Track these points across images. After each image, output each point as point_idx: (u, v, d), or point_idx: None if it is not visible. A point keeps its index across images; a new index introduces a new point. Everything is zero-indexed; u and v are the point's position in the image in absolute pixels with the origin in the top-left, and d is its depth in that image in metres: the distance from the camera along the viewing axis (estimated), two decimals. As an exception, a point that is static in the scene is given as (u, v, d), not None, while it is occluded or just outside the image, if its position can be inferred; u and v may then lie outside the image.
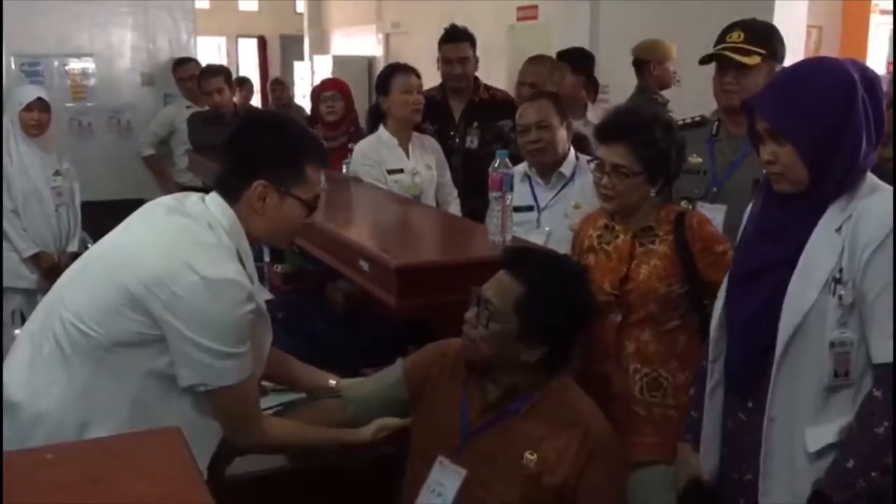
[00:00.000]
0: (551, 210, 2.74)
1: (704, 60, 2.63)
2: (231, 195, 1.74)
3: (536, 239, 2.58)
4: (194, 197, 1.79)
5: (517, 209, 2.65)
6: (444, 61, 3.93)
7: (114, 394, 1.66)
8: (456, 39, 3.95)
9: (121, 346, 1.65)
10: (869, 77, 1.62)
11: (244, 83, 7.42)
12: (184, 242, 1.67)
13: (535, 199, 2.78)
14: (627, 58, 4.40)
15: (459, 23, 4.24)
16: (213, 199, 1.75)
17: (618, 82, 5.72)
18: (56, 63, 5.27)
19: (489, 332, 1.71)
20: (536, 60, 3.91)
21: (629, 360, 2.07)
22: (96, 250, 1.79)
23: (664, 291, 2.04)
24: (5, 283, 4.05)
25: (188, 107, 5.09)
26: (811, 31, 5.47)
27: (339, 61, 10.68)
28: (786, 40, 4.47)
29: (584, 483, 1.69)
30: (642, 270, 2.06)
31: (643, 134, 2.03)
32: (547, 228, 2.66)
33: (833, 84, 1.59)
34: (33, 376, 1.68)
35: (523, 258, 1.82)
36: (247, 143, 1.79)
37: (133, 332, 1.64)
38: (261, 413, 1.80)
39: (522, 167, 2.82)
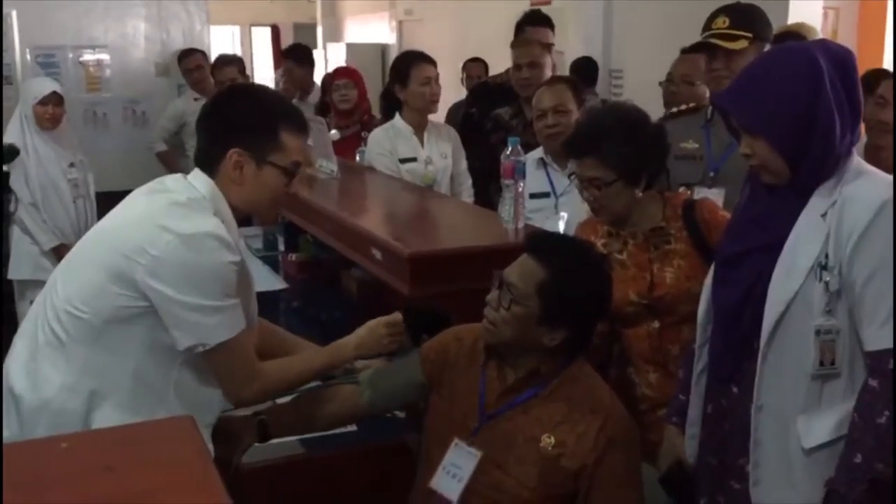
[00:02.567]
0: (569, 196, 2.72)
1: (692, 49, 2.62)
2: (209, 167, 1.75)
3: (553, 225, 2.58)
4: (177, 175, 1.81)
5: (534, 196, 2.64)
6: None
7: (113, 373, 1.68)
8: (542, 24, 3.86)
9: (112, 324, 1.66)
10: (840, 58, 1.58)
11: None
12: (158, 209, 1.69)
13: (552, 186, 2.77)
14: (640, 45, 4.38)
15: (473, 10, 4.21)
16: (194, 173, 1.77)
17: (631, 70, 5.69)
18: (71, 55, 5.29)
19: (510, 315, 1.71)
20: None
21: (677, 364, 2.03)
22: (83, 240, 1.81)
23: (696, 290, 1.98)
24: (27, 276, 4.09)
25: (196, 98, 5.09)
26: (828, 12, 5.41)
27: (352, 49, 10.65)
28: (803, 22, 4.42)
29: (602, 470, 1.69)
30: (668, 274, 2.03)
31: (607, 142, 1.98)
32: (564, 214, 2.64)
33: (797, 72, 1.56)
34: (33, 366, 1.70)
35: (547, 243, 1.83)
36: (220, 113, 1.79)
37: (120, 306, 1.64)
38: (257, 364, 1.78)
39: (538, 153, 2.81)
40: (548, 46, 3.73)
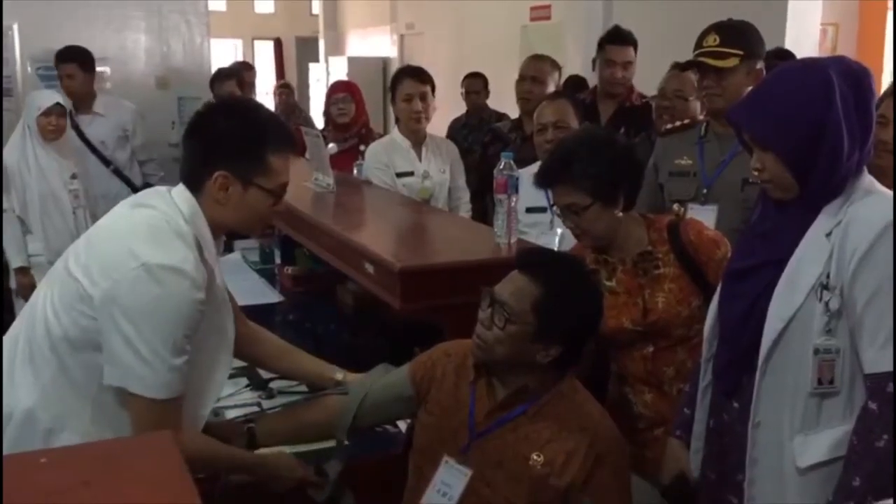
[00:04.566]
0: None
1: (684, 67, 2.64)
2: (193, 186, 1.72)
3: (549, 240, 2.58)
4: (162, 189, 1.77)
5: (531, 210, 2.65)
6: (608, 63, 3.69)
7: (75, 398, 1.66)
8: (622, 42, 3.72)
9: (78, 344, 1.64)
10: (856, 76, 1.58)
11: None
12: (134, 230, 1.65)
13: (549, 200, 2.77)
14: (641, 60, 4.38)
15: (474, 24, 4.21)
16: (178, 189, 1.74)
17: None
18: (72, 67, 5.31)
19: (505, 334, 1.70)
20: (538, 58, 3.95)
21: (672, 384, 2.04)
22: (65, 254, 1.77)
23: (687, 313, 2.01)
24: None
25: None
26: (827, 28, 5.43)
27: (354, 63, 10.73)
28: (799, 38, 4.44)
29: (590, 486, 1.68)
30: (659, 299, 2.02)
31: (575, 167, 1.97)
32: (559, 230, 2.65)
33: (808, 88, 1.56)
34: (9, 378, 1.69)
35: (539, 259, 1.82)
36: (206, 131, 1.74)
37: (85, 328, 1.61)
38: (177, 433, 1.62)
39: (537, 167, 2.81)
40: (624, 65, 3.69)
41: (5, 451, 1.58)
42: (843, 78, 1.55)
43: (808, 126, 1.54)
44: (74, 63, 4.61)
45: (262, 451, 1.93)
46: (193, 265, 1.63)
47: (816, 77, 1.56)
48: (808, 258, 1.57)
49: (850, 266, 1.52)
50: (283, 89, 7.21)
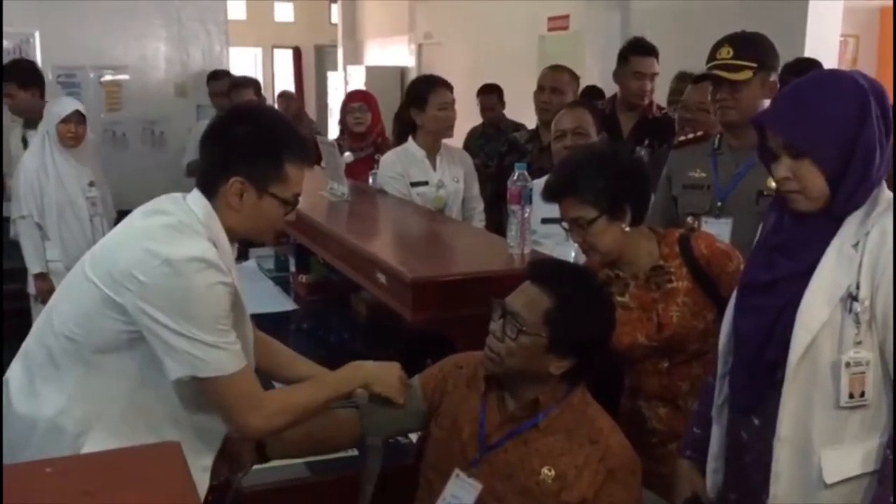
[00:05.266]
0: None
1: (697, 79, 2.61)
2: (209, 190, 1.73)
3: (565, 251, 2.55)
4: (177, 195, 1.78)
5: (546, 221, 2.63)
6: (637, 75, 3.67)
7: (105, 399, 1.66)
8: (647, 53, 3.71)
9: (107, 347, 1.65)
10: (877, 87, 1.58)
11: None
12: (149, 233, 1.66)
13: None
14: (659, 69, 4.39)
15: (492, 35, 4.20)
16: (193, 194, 1.75)
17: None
18: (92, 75, 5.38)
19: (517, 346, 1.69)
20: (557, 68, 3.95)
21: (687, 399, 2.02)
22: (81, 260, 1.78)
23: (703, 326, 1.99)
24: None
25: None
26: (848, 40, 5.39)
27: (371, 71, 10.77)
28: (819, 50, 4.41)
29: (601, 501, 1.67)
30: (673, 314, 2.00)
31: (581, 180, 1.96)
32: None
33: (846, 93, 1.55)
34: (29, 385, 1.70)
35: (551, 270, 1.80)
36: (225, 137, 1.75)
37: (115, 331, 1.63)
38: (260, 394, 1.73)
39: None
40: (651, 76, 3.67)
41: (32, 460, 1.58)
42: (871, 89, 1.56)
43: (847, 133, 1.53)
44: (13, 82, 4.43)
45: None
46: (214, 254, 1.65)
47: (852, 85, 1.56)
48: (836, 269, 1.54)
49: (881, 277, 1.50)
50: (282, 99, 7.02)
